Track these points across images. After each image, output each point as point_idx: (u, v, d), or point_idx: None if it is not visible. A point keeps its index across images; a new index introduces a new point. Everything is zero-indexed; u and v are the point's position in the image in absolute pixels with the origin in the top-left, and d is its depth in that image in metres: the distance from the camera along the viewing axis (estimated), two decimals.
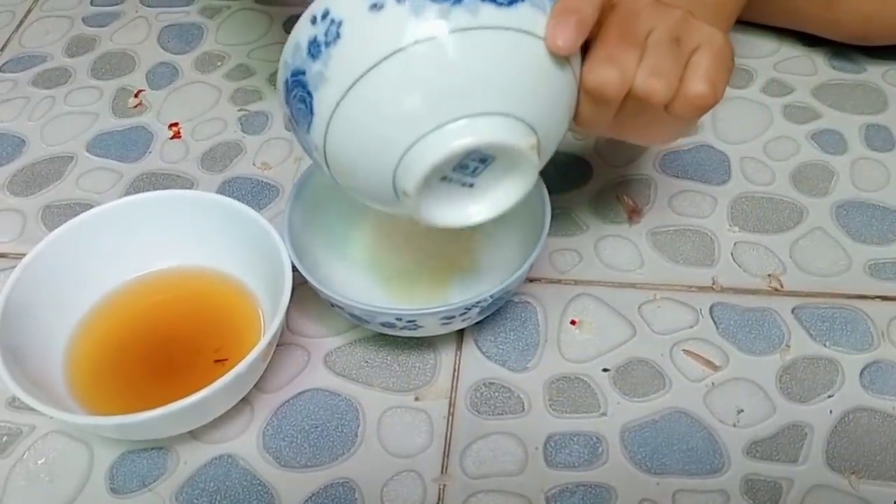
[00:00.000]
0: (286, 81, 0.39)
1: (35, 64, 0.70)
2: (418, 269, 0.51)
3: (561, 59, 0.38)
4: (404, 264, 0.51)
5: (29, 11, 0.76)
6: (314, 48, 0.37)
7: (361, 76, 0.37)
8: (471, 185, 0.39)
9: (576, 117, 0.42)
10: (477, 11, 0.36)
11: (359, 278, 0.51)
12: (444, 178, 0.38)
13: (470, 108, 0.37)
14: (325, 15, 0.37)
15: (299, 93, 0.38)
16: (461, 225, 0.40)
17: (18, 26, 0.74)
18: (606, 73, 0.39)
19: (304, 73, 0.38)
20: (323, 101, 0.38)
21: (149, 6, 0.75)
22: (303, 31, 0.38)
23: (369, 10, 0.36)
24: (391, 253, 0.52)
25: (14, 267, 0.47)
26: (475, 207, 0.40)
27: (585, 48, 0.39)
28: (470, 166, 0.38)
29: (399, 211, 0.41)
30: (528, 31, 0.37)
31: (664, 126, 0.43)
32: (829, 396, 0.48)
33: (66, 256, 0.49)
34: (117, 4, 0.76)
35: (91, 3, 0.76)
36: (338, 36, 0.37)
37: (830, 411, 0.48)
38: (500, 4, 0.37)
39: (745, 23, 0.69)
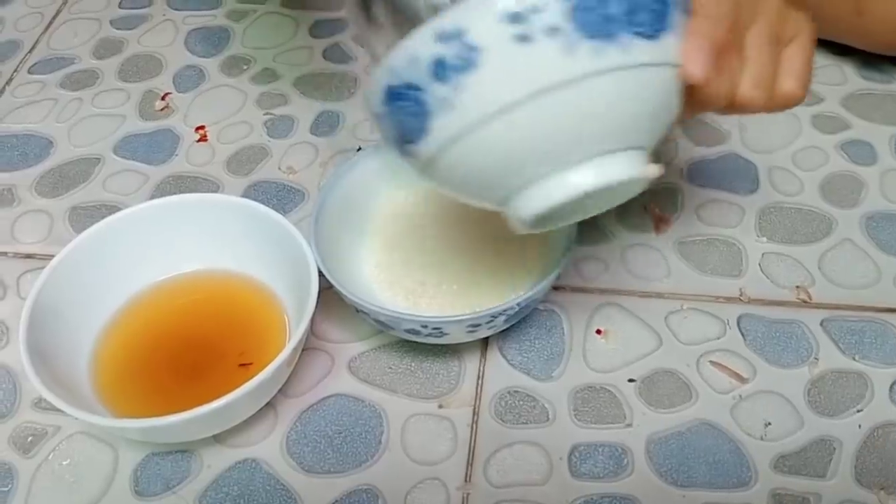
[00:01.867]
0: (390, 88, 0.36)
1: (63, 66, 0.71)
2: (444, 274, 0.51)
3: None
4: (429, 269, 0.51)
5: (57, 13, 0.76)
6: (440, 70, 0.34)
7: (498, 112, 0.34)
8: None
9: None
10: (630, 48, 0.34)
11: (383, 284, 0.51)
12: None
13: (602, 147, 0.35)
14: (458, 36, 0.34)
15: (411, 107, 0.36)
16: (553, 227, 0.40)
17: (47, 28, 0.75)
18: (719, 86, 0.37)
19: (420, 89, 0.35)
20: (444, 126, 0.35)
21: (176, 9, 0.76)
22: (424, 45, 0.34)
23: (515, 41, 0.33)
24: (416, 258, 0.52)
25: (41, 267, 0.48)
26: (575, 217, 0.40)
27: None
28: None
29: (493, 210, 0.40)
30: (669, 62, 0.36)
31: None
32: (858, 411, 0.48)
33: (94, 258, 0.49)
34: (145, 7, 0.76)
35: (119, 6, 0.76)
36: (474, 64, 0.34)
37: (859, 426, 0.47)
38: (650, 37, 0.34)
39: None
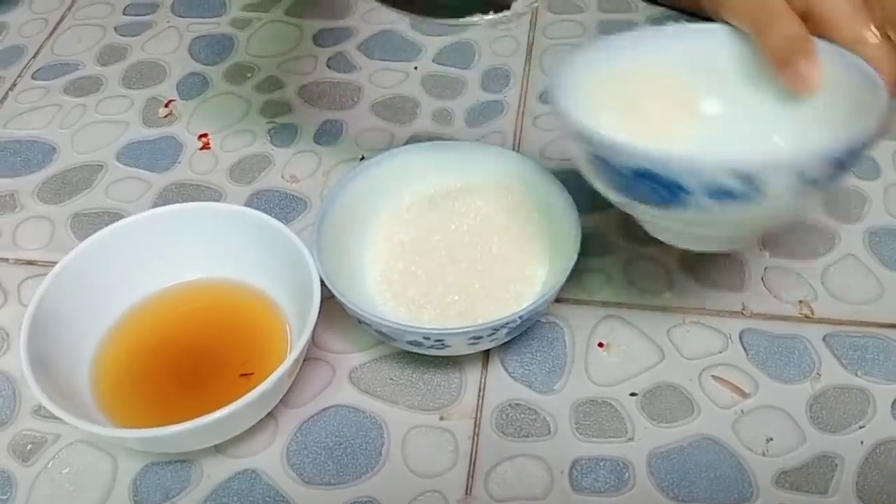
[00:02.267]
0: (649, 171, 0.38)
1: (67, 72, 0.71)
2: (447, 285, 0.51)
3: None
4: (432, 280, 0.51)
5: (62, 19, 0.76)
6: (718, 194, 0.38)
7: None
8: None
9: None
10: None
11: (385, 294, 0.51)
12: None
13: None
14: (753, 180, 0.37)
15: (661, 193, 0.39)
16: None
17: (51, 34, 0.75)
18: None
19: (686, 192, 0.38)
20: (680, 215, 0.40)
21: (180, 16, 0.76)
22: (715, 172, 0.37)
23: (790, 193, 0.38)
24: (418, 269, 0.52)
25: (42, 274, 0.48)
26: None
27: None
28: None
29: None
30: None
31: None
32: (861, 427, 0.48)
33: (96, 266, 0.49)
34: (149, 14, 0.76)
35: (123, 13, 0.76)
36: (752, 201, 0.38)
37: (861, 442, 0.47)
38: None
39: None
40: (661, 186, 0.38)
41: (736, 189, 0.37)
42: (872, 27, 0.42)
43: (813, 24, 0.43)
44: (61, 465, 0.47)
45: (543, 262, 0.51)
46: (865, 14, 0.42)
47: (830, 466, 0.46)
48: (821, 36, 0.43)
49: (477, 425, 0.48)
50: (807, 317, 0.52)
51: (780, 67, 0.43)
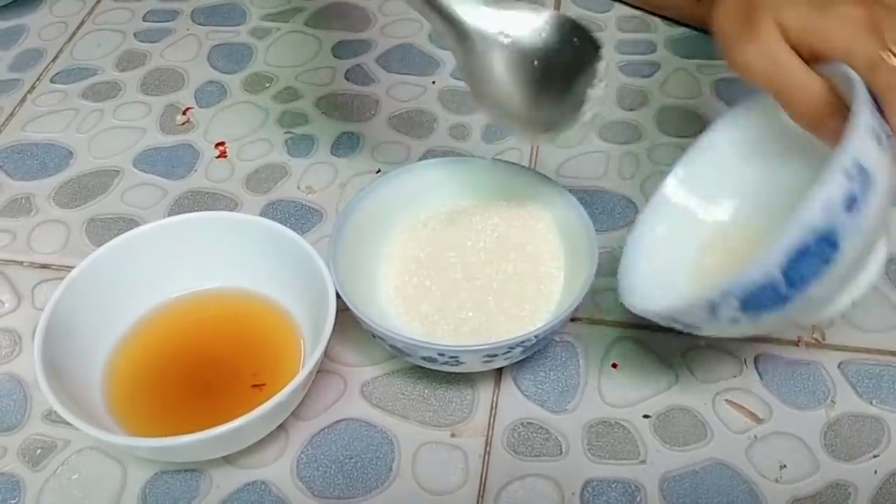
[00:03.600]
0: (802, 246, 0.37)
1: (86, 76, 0.71)
2: (462, 301, 0.50)
3: None
4: (447, 295, 0.51)
5: (82, 23, 0.77)
6: (852, 203, 0.37)
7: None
8: None
9: None
10: None
11: (399, 308, 0.51)
12: None
13: None
14: (857, 165, 0.37)
15: (825, 252, 0.38)
16: None
17: (70, 38, 0.75)
18: None
19: (835, 232, 0.37)
20: (850, 251, 0.38)
21: (200, 24, 0.76)
22: (834, 186, 0.37)
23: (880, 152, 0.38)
24: (433, 284, 0.51)
25: (56, 278, 0.48)
26: None
27: None
28: None
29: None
30: None
31: None
32: (875, 456, 0.47)
33: (111, 273, 0.49)
34: (169, 21, 0.76)
35: (143, 19, 0.77)
36: (871, 185, 0.37)
37: (875, 471, 0.47)
38: None
39: None
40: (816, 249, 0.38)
41: (858, 187, 0.37)
42: (887, 50, 0.42)
43: (825, 58, 0.43)
44: (70, 472, 0.47)
45: (559, 281, 0.51)
46: (877, 36, 0.42)
47: (844, 495, 0.46)
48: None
49: (488, 443, 0.48)
50: (817, 341, 0.52)
51: (814, 131, 0.44)
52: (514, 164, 0.55)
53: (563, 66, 0.46)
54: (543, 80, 0.45)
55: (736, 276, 0.38)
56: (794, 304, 0.39)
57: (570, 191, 0.52)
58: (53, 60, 0.73)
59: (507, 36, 0.45)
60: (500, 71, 0.45)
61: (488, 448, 0.48)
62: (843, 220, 0.37)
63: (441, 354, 0.45)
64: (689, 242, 0.50)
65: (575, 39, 0.46)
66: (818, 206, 0.37)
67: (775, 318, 0.40)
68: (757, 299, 0.38)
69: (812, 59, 0.43)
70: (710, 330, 0.43)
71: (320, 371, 0.51)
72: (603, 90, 0.47)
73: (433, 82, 0.69)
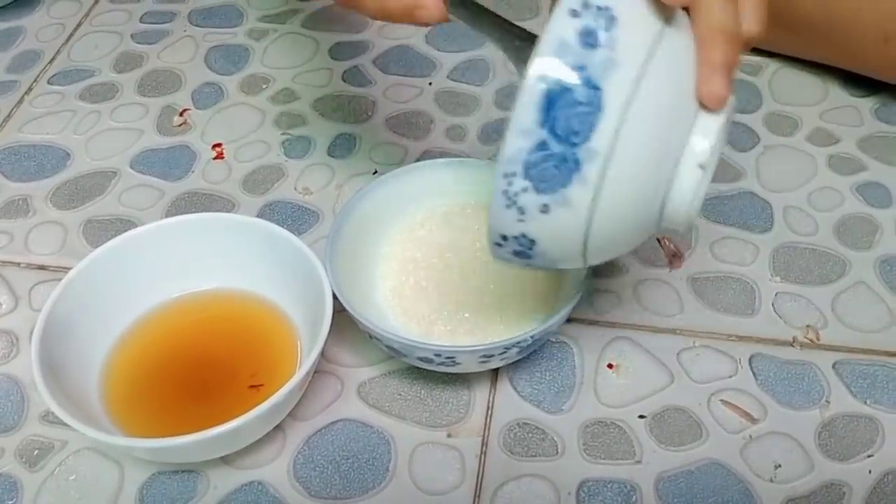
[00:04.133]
0: (548, 93, 0.35)
1: (83, 78, 0.71)
2: (458, 302, 0.51)
3: None
4: (443, 296, 0.51)
5: (79, 25, 0.77)
6: (588, 38, 0.35)
7: (652, 49, 0.36)
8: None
9: None
10: None
11: (396, 309, 0.51)
12: None
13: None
14: (585, 5, 0.35)
15: (576, 95, 0.35)
16: None
17: (68, 39, 0.75)
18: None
19: (583, 68, 0.35)
20: (616, 88, 0.35)
21: (197, 26, 0.76)
22: (565, 26, 0.35)
23: None
24: (430, 285, 0.52)
25: (54, 280, 0.48)
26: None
27: None
28: None
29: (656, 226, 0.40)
30: None
31: None
32: (869, 456, 0.48)
33: (109, 274, 0.49)
34: (166, 23, 0.76)
35: (140, 20, 0.77)
36: (613, 19, 0.35)
37: (870, 471, 0.47)
38: None
39: (792, 59, 0.69)
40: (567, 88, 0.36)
41: (592, 21, 0.36)
42: None
43: None
44: (68, 472, 0.47)
45: (554, 282, 0.51)
46: None
47: (838, 495, 0.46)
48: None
49: (484, 444, 0.48)
50: (812, 341, 0.52)
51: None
52: None
53: None
54: None
55: (501, 152, 0.36)
56: (585, 169, 0.36)
57: None
58: (51, 62, 0.73)
59: None
60: None
61: (484, 448, 0.48)
62: (585, 57, 0.35)
63: (437, 355, 0.45)
64: None
65: None
66: (548, 51, 0.35)
67: (590, 198, 0.36)
68: (540, 168, 0.36)
69: None
70: (552, 246, 0.39)
71: (317, 372, 0.51)
72: None
73: (430, 84, 0.70)
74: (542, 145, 0.36)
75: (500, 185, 0.37)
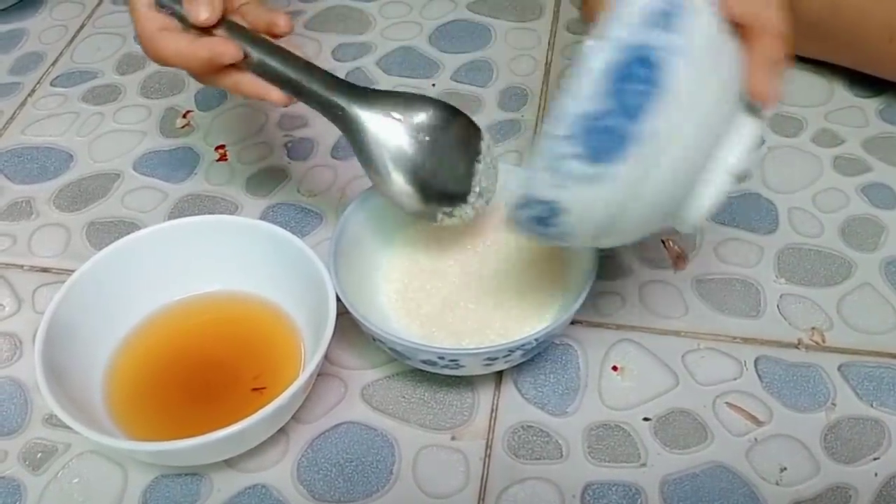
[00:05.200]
0: (624, 64, 0.34)
1: (86, 80, 0.71)
2: (461, 305, 0.50)
3: None
4: (446, 299, 0.51)
5: (82, 27, 0.77)
6: (667, 20, 0.35)
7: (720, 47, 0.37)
8: None
9: None
10: None
11: (399, 311, 0.51)
12: None
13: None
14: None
15: (651, 73, 0.34)
16: None
17: (71, 41, 0.75)
18: None
19: (662, 49, 0.34)
20: (684, 76, 0.35)
21: None
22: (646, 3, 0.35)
23: None
24: (433, 288, 0.52)
25: (57, 282, 0.48)
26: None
27: None
28: None
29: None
30: None
31: None
32: (875, 459, 0.47)
33: (112, 276, 0.49)
34: None
35: None
36: (690, 9, 0.35)
37: (875, 474, 0.47)
38: None
39: (797, 59, 0.69)
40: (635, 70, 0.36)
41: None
42: None
43: None
44: (71, 475, 0.47)
45: (559, 285, 0.51)
46: None
47: (844, 497, 0.46)
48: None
49: (489, 446, 0.48)
50: (817, 343, 0.52)
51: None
52: (514, 166, 0.55)
53: (449, 141, 0.48)
54: (435, 152, 0.47)
55: (564, 107, 0.35)
56: (645, 149, 0.35)
57: None
58: (53, 64, 0.73)
59: (396, 116, 0.47)
60: (396, 144, 0.47)
61: (489, 451, 0.48)
62: (659, 37, 0.34)
63: (441, 358, 0.45)
64: None
65: (457, 120, 0.48)
66: (625, 21, 0.34)
67: (638, 178, 0.36)
68: (598, 138, 0.35)
69: None
70: (578, 220, 0.38)
71: (321, 374, 0.51)
72: (486, 165, 0.49)
73: (433, 85, 0.69)
74: (606, 114, 0.35)
75: (548, 145, 0.35)
